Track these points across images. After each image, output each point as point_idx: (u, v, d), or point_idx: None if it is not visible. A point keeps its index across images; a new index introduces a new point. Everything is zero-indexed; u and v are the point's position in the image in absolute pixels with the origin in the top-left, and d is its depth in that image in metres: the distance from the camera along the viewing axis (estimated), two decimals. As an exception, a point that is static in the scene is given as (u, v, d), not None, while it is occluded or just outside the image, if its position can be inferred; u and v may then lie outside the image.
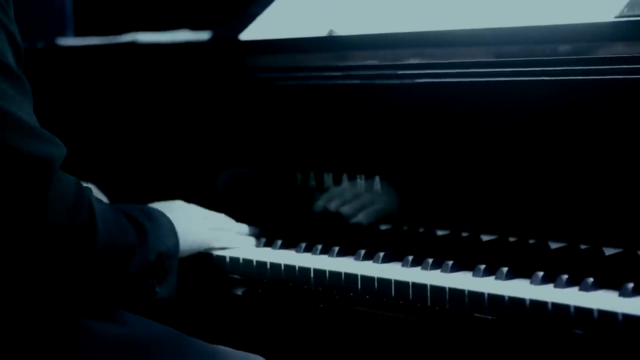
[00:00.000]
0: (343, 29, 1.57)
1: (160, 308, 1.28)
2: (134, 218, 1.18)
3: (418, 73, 1.36)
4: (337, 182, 1.46)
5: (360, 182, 1.43)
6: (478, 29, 1.32)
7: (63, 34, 2.28)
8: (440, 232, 1.33)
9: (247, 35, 1.73)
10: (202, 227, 1.37)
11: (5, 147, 1.01)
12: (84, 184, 1.12)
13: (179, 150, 1.71)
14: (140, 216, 1.19)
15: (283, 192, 1.54)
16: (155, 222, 1.21)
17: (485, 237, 1.28)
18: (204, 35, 1.83)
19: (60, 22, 2.33)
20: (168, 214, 1.26)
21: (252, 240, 1.48)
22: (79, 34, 2.34)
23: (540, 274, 1.17)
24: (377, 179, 1.41)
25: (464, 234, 1.31)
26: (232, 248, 1.44)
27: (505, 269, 1.20)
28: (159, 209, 1.27)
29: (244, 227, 1.49)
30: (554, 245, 1.21)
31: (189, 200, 1.43)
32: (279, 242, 1.48)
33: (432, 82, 1.34)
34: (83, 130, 1.87)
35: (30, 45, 1.91)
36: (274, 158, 1.56)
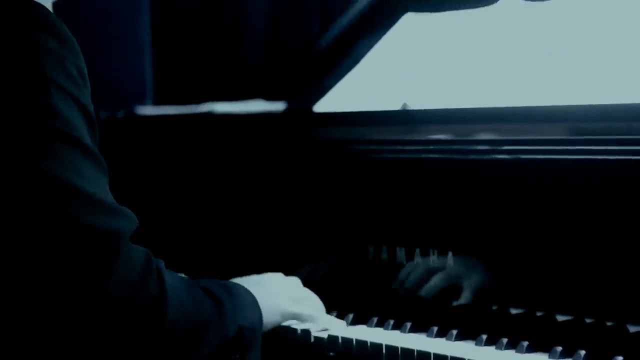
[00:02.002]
0: (417, 103, 1.58)
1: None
2: (211, 291, 1.18)
3: (492, 149, 1.36)
4: (410, 256, 1.45)
5: (433, 257, 1.42)
6: (554, 106, 1.32)
7: (142, 103, 2.34)
8: (514, 311, 1.31)
9: (321, 107, 1.75)
10: (284, 301, 1.35)
11: (78, 224, 1.03)
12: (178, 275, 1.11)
13: (252, 220, 1.72)
14: (218, 289, 1.19)
15: (355, 265, 1.53)
16: (235, 296, 1.21)
17: (561, 318, 1.26)
18: (279, 106, 1.86)
19: (140, 91, 2.39)
20: (250, 288, 1.26)
21: (337, 320, 1.44)
22: (157, 103, 2.39)
23: (620, 358, 1.14)
24: (449, 254, 1.40)
25: (539, 314, 1.28)
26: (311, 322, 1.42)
27: (582, 352, 1.17)
28: (241, 283, 1.27)
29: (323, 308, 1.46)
30: (632, 329, 1.18)
31: (260, 267, 1.42)
32: (351, 316, 1.47)
33: (507, 158, 1.33)
34: (160, 199, 1.90)
35: (111, 114, 1.96)
36: (346, 230, 1.56)
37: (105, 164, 1.09)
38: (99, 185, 1.07)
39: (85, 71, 1.08)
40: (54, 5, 1.26)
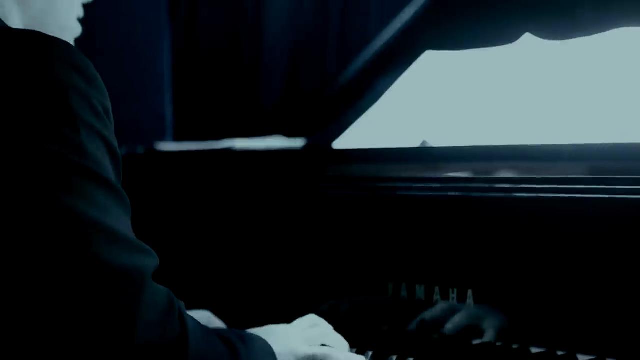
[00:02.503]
0: (436, 140, 1.59)
1: None
2: (227, 339, 1.17)
3: (512, 187, 1.36)
4: (430, 294, 1.45)
5: (453, 295, 1.42)
6: (573, 144, 1.32)
7: (162, 139, 2.35)
8: (535, 350, 1.31)
9: (340, 143, 1.76)
10: (298, 343, 1.34)
11: (99, 261, 1.03)
12: (201, 311, 1.12)
13: (272, 257, 1.72)
14: (234, 337, 1.19)
15: (374, 302, 1.53)
16: (250, 343, 1.20)
17: (582, 358, 1.25)
18: (298, 143, 1.87)
19: (160, 127, 2.41)
20: (265, 336, 1.26)
21: (356, 356, 1.43)
22: (177, 139, 2.41)
23: (641, 399, 1.13)
24: (469, 292, 1.39)
25: (561, 353, 1.28)
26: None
27: (604, 393, 1.17)
28: (258, 333, 1.27)
29: (344, 342, 1.45)
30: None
31: (278, 304, 1.42)
32: (370, 353, 1.46)
33: (527, 196, 1.33)
34: (179, 235, 1.90)
35: (131, 150, 1.98)
36: (365, 268, 1.56)
37: (128, 202, 1.09)
38: (122, 223, 1.07)
39: (110, 108, 1.10)
40: (77, 40, 1.28)
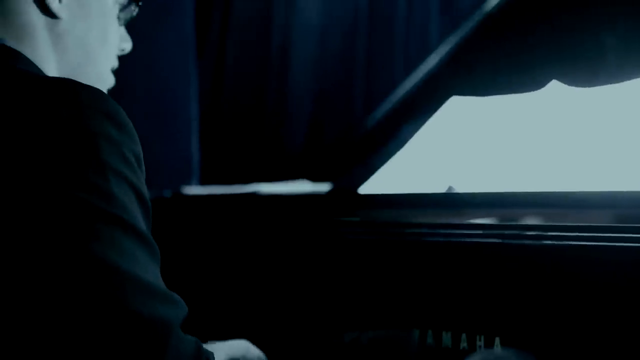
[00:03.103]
0: (463, 186, 1.58)
1: None
2: None
3: (540, 234, 1.35)
4: (456, 341, 1.44)
5: (480, 342, 1.41)
6: (602, 192, 1.31)
7: (189, 182, 2.37)
8: (562, 399, 1.29)
9: (366, 188, 1.76)
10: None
11: (127, 310, 1.02)
12: (236, 341, 1.11)
13: (297, 300, 1.72)
14: None
15: (400, 349, 1.52)
16: None
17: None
18: (323, 187, 1.87)
19: (187, 171, 2.42)
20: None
21: None
22: (203, 183, 2.42)
23: None
24: (497, 340, 1.38)
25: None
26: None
27: None
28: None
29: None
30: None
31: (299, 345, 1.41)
32: (395, 400, 1.46)
33: (555, 244, 1.32)
34: (206, 279, 1.91)
35: (157, 193, 1.99)
36: (391, 314, 1.55)
37: (157, 250, 1.09)
38: (151, 272, 1.06)
39: (141, 155, 1.10)
40: (109, 91, 1.29)
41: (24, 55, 1.19)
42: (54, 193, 1.02)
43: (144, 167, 1.10)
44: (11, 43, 1.19)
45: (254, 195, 1.87)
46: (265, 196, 1.86)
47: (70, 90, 1.08)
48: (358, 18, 2.76)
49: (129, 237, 1.04)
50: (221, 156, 2.58)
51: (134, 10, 1.32)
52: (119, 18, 1.30)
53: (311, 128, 2.62)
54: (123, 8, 1.30)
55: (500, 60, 1.87)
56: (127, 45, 1.33)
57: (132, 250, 1.04)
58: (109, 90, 1.29)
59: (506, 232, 1.40)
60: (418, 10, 2.83)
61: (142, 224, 1.07)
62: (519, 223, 1.39)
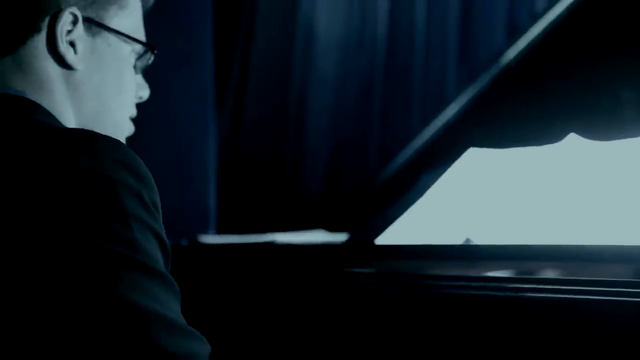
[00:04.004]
0: (480, 238, 1.58)
1: None
2: None
3: (557, 288, 1.34)
4: (472, 395, 1.42)
5: (496, 396, 1.39)
6: (620, 246, 1.31)
7: (205, 231, 2.37)
8: None
9: (383, 239, 1.76)
10: None
11: (157, 348, 1.04)
12: None
13: (312, 351, 1.71)
14: None
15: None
16: None
17: None
18: (340, 237, 1.87)
19: (204, 219, 2.43)
20: None
21: None
22: (220, 232, 2.42)
23: None
24: (514, 395, 1.37)
25: None
26: None
27: None
28: None
29: None
30: None
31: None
32: None
33: (572, 298, 1.31)
34: (220, 327, 1.90)
35: (174, 242, 1.99)
36: (406, 366, 1.54)
37: (178, 289, 1.11)
38: (175, 310, 1.09)
39: (159, 204, 1.12)
40: (129, 139, 1.31)
41: (43, 107, 1.21)
42: (77, 241, 1.04)
43: (161, 215, 1.12)
44: (32, 95, 1.21)
45: (271, 245, 1.88)
46: (282, 245, 1.86)
47: (88, 141, 1.10)
48: (375, 69, 2.78)
49: (151, 278, 1.06)
50: (238, 205, 2.58)
51: (150, 58, 1.33)
52: (135, 66, 1.32)
53: (328, 178, 2.63)
54: (139, 57, 1.32)
55: (518, 112, 1.88)
56: (145, 93, 1.35)
57: (155, 291, 1.06)
58: (128, 138, 1.31)
59: (524, 285, 1.39)
60: (435, 61, 2.85)
61: (162, 265, 1.10)
62: (536, 277, 1.38)
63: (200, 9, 2.48)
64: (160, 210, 1.13)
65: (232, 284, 1.91)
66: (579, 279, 1.32)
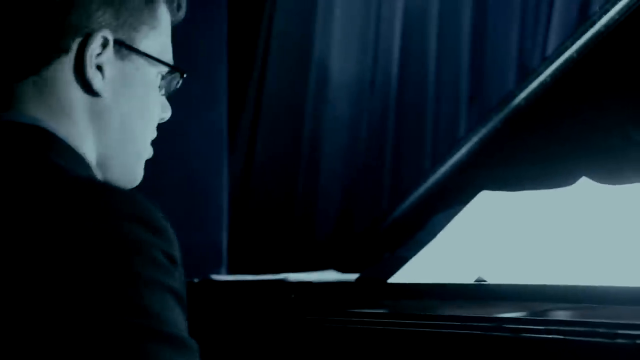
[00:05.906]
0: (492, 277, 1.58)
1: None
2: None
3: (570, 330, 1.34)
4: None
5: None
6: (635, 288, 1.31)
7: (217, 270, 2.38)
8: None
9: (394, 278, 1.76)
10: None
11: None
12: None
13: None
14: None
15: None
16: None
17: None
18: (351, 277, 1.87)
19: (216, 259, 2.43)
20: None
21: None
22: (231, 271, 2.43)
23: None
24: None
25: None
26: None
27: None
28: None
29: None
30: None
31: None
32: None
33: (585, 340, 1.31)
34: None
35: (187, 279, 2.00)
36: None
37: (196, 347, 1.05)
38: None
39: (178, 256, 1.05)
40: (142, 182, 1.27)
41: (59, 137, 1.13)
42: (83, 311, 0.97)
43: (181, 267, 1.06)
44: (49, 122, 1.13)
45: (282, 283, 1.88)
46: (293, 284, 1.86)
47: (99, 196, 1.03)
48: (387, 109, 2.80)
49: (163, 345, 1.00)
50: (250, 245, 2.59)
51: (178, 82, 1.26)
52: (160, 87, 1.24)
53: (340, 218, 2.63)
54: (164, 77, 1.23)
55: (529, 154, 1.88)
56: (167, 114, 1.27)
57: (168, 357, 1.00)
58: (142, 182, 1.26)
59: (536, 327, 1.39)
60: (446, 100, 2.87)
61: (178, 323, 1.03)
62: (548, 318, 1.38)
63: (215, 50, 2.50)
64: (180, 261, 1.06)
65: (243, 322, 1.91)
66: (591, 321, 1.31)
